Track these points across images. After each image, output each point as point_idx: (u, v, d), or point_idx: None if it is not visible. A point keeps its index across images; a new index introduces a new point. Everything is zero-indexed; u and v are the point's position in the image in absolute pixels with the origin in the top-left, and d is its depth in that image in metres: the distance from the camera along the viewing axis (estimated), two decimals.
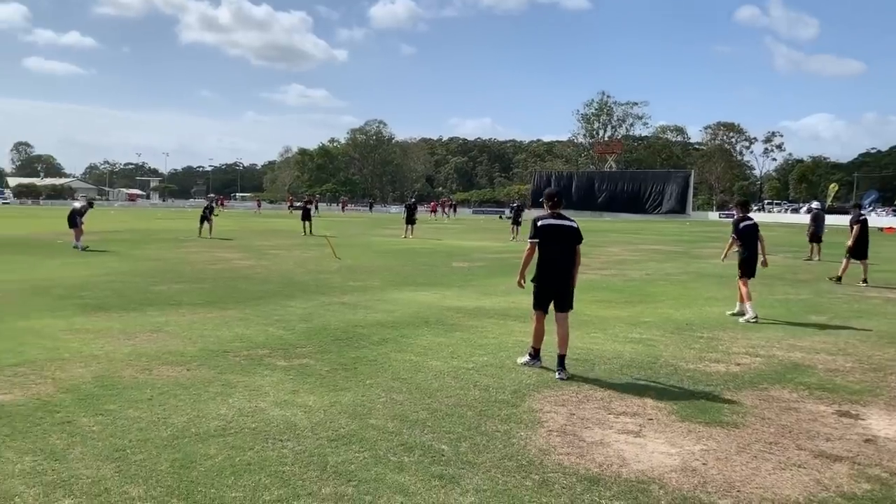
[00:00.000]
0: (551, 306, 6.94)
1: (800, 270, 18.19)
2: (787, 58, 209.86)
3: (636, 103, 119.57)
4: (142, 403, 5.54)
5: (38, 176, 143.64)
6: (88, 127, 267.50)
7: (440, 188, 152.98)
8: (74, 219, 21.24)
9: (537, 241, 6.89)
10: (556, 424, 5.33)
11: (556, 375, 6.65)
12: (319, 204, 74.68)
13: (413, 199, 35.78)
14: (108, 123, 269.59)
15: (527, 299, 11.83)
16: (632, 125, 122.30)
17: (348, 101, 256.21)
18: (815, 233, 21.99)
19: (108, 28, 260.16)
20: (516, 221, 32.16)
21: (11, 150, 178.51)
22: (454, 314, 10.18)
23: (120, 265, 16.36)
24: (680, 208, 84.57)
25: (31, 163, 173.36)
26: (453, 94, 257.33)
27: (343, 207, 73.30)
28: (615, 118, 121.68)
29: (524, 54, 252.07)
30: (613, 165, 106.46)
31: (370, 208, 66.52)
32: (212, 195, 32.66)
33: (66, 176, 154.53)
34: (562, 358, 6.76)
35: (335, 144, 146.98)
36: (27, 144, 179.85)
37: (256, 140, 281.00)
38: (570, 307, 6.95)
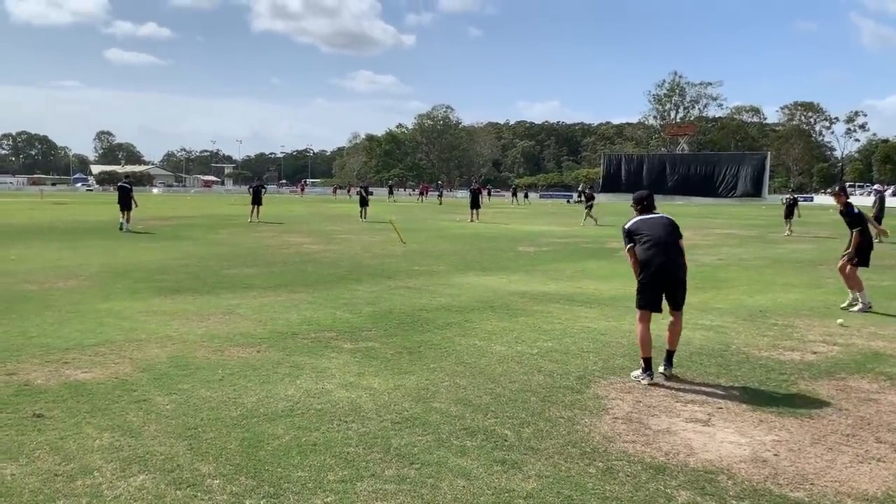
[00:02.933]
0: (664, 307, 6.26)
1: (884, 255, 17.35)
2: (873, 33, 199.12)
3: (710, 83, 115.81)
4: (213, 383, 5.72)
5: (119, 163, 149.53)
6: (165, 115, 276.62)
7: (507, 172, 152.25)
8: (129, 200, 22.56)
9: (632, 244, 6.29)
10: (622, 412, 5.24)
11: (661, 369, 6.15)
12: (396, 189, 74.89)
13: (477, 184, 35.66)
14: (183, 111, 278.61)
15: (593, 284, 11.75)
16: (705, 106, 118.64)
17: (416, 86, 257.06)
18: (876, 215, 21.21)
19: (183, 18, 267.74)
20: (588, 208, 31.00)
21: (94, 139, 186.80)
22: (519, 299, 10.13)
23: (195, 249, 16.90)
24: (755, 191, 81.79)
25: (112, 151, 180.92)
26: (521, 77, 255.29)
27: (424, 193, 70.20)
28: (688, 99, 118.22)
29: (594, 35, 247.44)
30: (686, 147, 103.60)
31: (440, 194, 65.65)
32: (258, 181, 32.78)
33: (146, 163, 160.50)
34: (670, 354, 6.25)
35: (402, 130, 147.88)
36: (109, 133, 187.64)
37: (326, 126, 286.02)
38: (683, 301, 6.28)
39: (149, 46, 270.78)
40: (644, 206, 6.51)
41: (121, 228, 22.13)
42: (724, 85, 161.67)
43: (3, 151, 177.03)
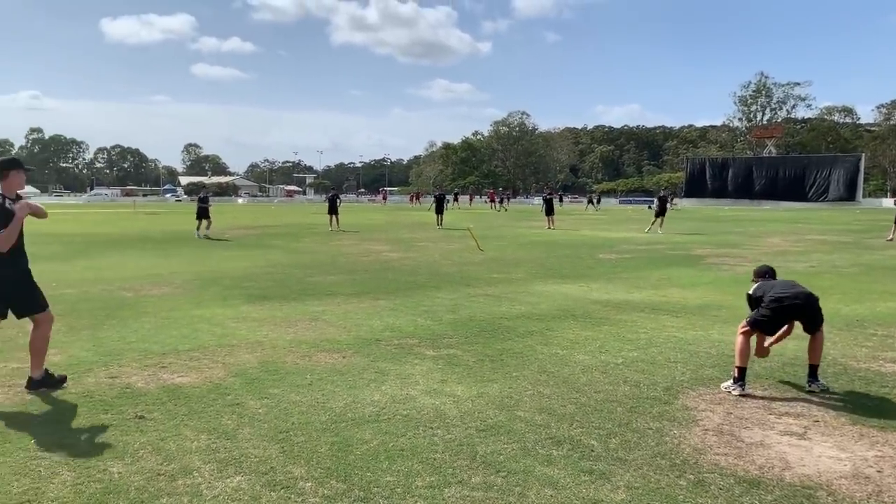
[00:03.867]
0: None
1: None
2: None
3: (798, 83, 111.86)
4: (302, 388, 5.88)
5: (205, 175, 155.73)
6: (249, 127, 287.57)
7: (584, 178, 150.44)
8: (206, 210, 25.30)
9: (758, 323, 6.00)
10: (712, 423, 5.10)
11: (808, 386, 5.94)
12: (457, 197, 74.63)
13: (550, 192, 35.39)
14: (267, 123, 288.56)
15: (679, 292, 11.46)
16: (793, 107, 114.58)
17: (492, 93, 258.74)
18: None
19: (266, 33, 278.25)
20: (661, 212, 29.14)
21: (182, 151, 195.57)
22: (601, 307, 9.99)
23: (279, 257, 17.40)
24: (848, 195, 78.14)
25: (199, 162, 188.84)
26: (599, 81, 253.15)
27: (501, 201, 67.53)
28: (775, 100, 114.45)
29: (675, 36, 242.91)
30: (773, 150, 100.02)
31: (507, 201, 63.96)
32: (333, 191, 34.07)
33: (231, 174, 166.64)
34: (814, 368, 6.00)
35: (478, 137, 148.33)
36: (196, 145, 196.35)
37: (403, 135, 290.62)
38: (822, 320, 6.03)
39: (233, 61, 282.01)
40: (765, 279, 6.35)
41: (197, 236, 23.99)
42: (812, 85, 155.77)
43: (99, 165, 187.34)
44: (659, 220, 28.72)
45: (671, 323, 8.77)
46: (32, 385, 5.80)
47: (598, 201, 73.23)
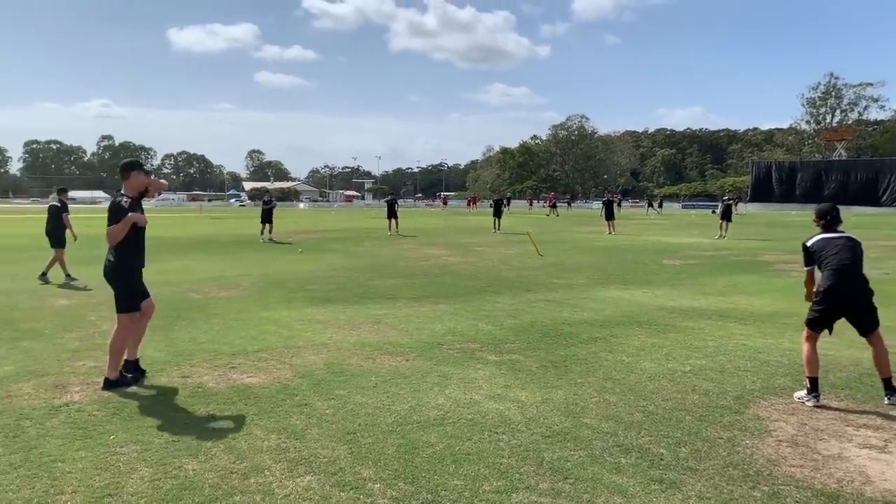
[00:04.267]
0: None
1: None
2: None
3: (870, 84, 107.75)
4: (368, 390, 5.94)
5: (268, 180, 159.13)
6: (310, 133, 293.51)
7: (645, 182, 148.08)
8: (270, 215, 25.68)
9: (812, 266, 6.00)
10: (786, 434, 4.95)
11: (886, 401, 5.65)
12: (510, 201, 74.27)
13: (608, 196, 34.90)
14: (327, 129, 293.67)
15: (747, 300, 11.17)
16: (865, 108, 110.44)
17: (550, 97, 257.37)
18: None
19: (326, 40, 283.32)
20: (726, 216, 28.42)
21: (246, 158, 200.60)
22: (667, 314, 9.81)
23: (340, 261, 17.65)
24: None
25: (262, 168, 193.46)
26: (660, 83, 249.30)
27: (554, 206, 66.28)
28: (845, 101, 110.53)
29: (739, 36, 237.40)
30: (843, 154, 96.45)
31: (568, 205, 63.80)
32: (391, 195, 34.57)
33: (292, 180, 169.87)
34: (887, 381, 5.70)
35: (536, 141, 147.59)
36: (259, 152, 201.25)
37: (460, 140, 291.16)
38: (877, 323, 5.75)
39: (295, 68, 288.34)
40: (828, 220, 6.02)
41: (261, 240, 24.46)
42: (885, 85, 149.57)
43: (166, 170, 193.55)
44: (725, 224, 28.03)
45: (739, 330, 8.55)
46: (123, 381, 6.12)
47: (661, 205, 71.81)
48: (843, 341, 7.96)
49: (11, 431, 4.92)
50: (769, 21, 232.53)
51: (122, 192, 6.13)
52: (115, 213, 5.93)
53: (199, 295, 11.52)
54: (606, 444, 4.72)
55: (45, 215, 13.91)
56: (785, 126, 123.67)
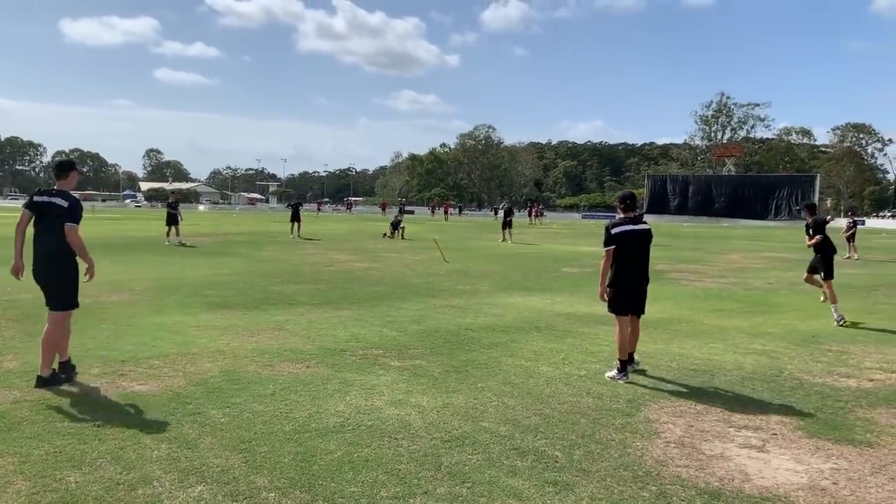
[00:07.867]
0: None
1: None
2: None
3: (758, 104, 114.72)
4: (265, 398, 5.81)
5: (166, 180, 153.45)
6: (212, 133, 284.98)
7: (548, 192, 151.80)
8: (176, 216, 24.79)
9: (613, 247, 6.98)
10: (674, 436, 5.17)
11: (631, 367, 6.91)
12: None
13: (507, 204, 35.95)
14: (230, 130, 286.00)
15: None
16: (753, 127, 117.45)
17: (458, 105, 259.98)
18: None
19: (231, 38, 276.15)
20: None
21: (143, 157, 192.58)
22: (565, 320, 10.07)
23: (241, 265, 17.19)
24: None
25: (160, 168, 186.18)
26: (565, 96, 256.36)
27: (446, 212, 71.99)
28: (735, 120, 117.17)
29: (639, 54, 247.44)
30: (732, 169, 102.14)
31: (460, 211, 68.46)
32: (296, 200, 34.78)
33: (192, 181, 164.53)
34: (632, 355, 7.02)
35: (444, 149, 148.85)
36: (157, 151, 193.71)
37: (368, 146, 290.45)
38: (643, 311, 7.21)
39: (197, 66, 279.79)
40: (627, 205, 7.14)
41: (167, 243, 23.59)
42: (772, 106, 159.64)
43: None
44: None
45: None
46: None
47: (540, 214, 61.89)
48: (727, 347, 8.42)
49: None
50: (667, 41, 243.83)
51: (56, 188, 6.20)
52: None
53: (89, 299, 10.92)
54: (504, 447, 4.80)
55: None
56: (679, 141, 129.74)
